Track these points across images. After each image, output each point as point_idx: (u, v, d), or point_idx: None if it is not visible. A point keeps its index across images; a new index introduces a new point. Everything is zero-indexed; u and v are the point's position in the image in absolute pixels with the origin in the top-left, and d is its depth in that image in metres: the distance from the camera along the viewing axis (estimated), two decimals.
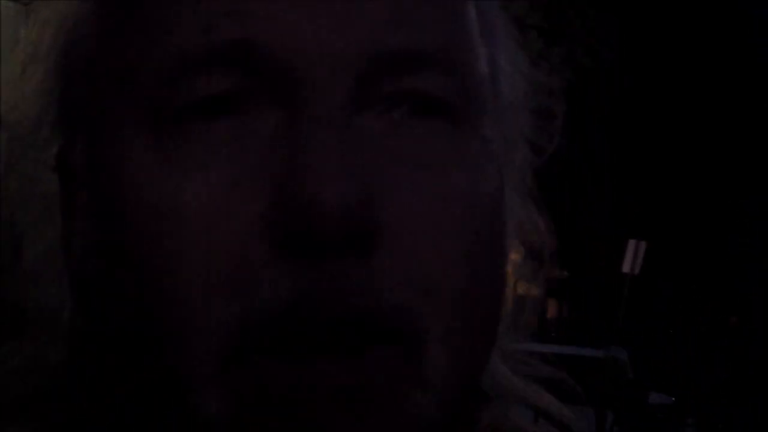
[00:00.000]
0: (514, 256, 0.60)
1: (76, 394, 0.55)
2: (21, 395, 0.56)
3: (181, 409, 0.48)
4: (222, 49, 0.48)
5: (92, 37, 0.53)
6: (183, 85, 0.48)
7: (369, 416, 0.47)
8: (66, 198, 0.55)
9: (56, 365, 0.56)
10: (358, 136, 0.47)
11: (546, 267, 0.62)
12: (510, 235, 0.56)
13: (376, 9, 0.49)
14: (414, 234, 0.48)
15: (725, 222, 15.84)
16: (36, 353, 0.56)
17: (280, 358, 0.46)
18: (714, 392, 11.16)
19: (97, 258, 0.51)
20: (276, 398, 0.46)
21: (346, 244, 0.45)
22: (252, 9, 0.48)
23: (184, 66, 0.48)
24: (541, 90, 0.61)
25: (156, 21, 0.50)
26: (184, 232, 0.47)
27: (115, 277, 0.50)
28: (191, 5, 0.49)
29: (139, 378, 0.50)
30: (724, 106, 13.56)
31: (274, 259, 0.46)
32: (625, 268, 13.91)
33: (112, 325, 0.51)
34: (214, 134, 0.48)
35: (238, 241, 0.46)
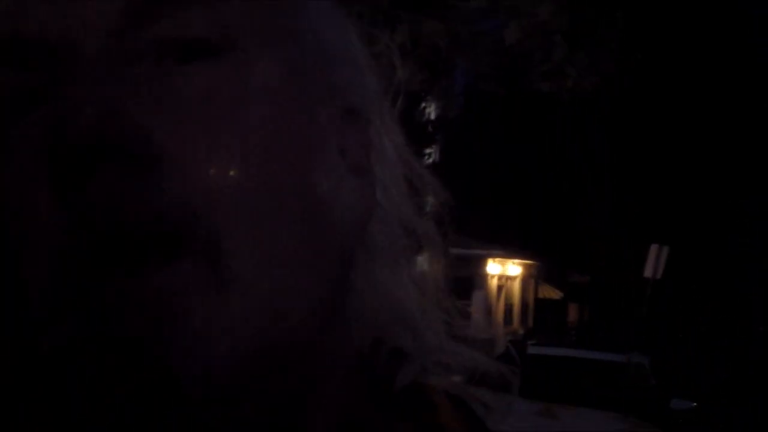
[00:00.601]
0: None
1: None
2: None
3: (25, 346, 0.50)
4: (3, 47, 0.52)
5: None
6: None
7: (171, 321, 0.48)
8: None
9: None
10: (122, 86, 0.50)
11: (444, 227, 0.63)
12: (395, 186, 0.61)
13: None
14: (194, 159, 0.49)
15: (737, 225, 15.76)
16: None
17: (90, 275, 0.49)
18: (734, 399, 11.10)
19: None
20: (94, 315, 0.48)
21: (105, 164, 0.48)
22: (17, 7, 0.52)
23: None
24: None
25: None
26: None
27: None
28: None
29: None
30: (724, 106, 13.49)
31: (52, 189, 0.48)
32: (647, 273, 13.86)
33: None
34: (17, 126, 0.51)
35: (26, 195, 0.49)
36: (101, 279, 0.49)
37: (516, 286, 23.27)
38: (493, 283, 21.50)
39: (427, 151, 11.07)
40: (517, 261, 22.51)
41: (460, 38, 10.47)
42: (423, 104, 11.19)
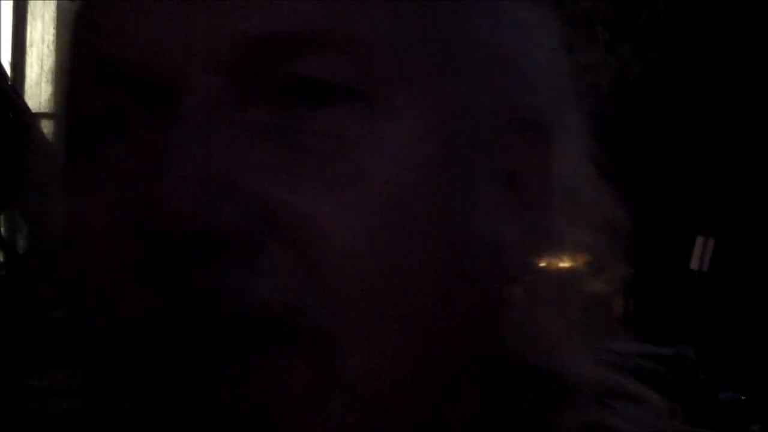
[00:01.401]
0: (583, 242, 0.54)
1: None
2: None
3: (102, 409, 0.48)
4: (99, 70, 0.48)
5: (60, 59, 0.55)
6: (77, 103, 0.50)
7: (276, 424, 0.45)
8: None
9: None
10: (238, 133, 0.46)
11: (621, 245, 0.55)
12: (571, 211, 0.53)
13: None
14: (311, 230, 0.45)
15: None
16: None
17: (166, 367, 0.45)
18: None
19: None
20: (178, 408, 0.45)
21: (196, 249, 0.44)
22: (116, 26, 0.48)
23: (79, 86, 0.50)
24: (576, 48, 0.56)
25: (72, 44, 0.52)
26: (78, 237, 0.48)
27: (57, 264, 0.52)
28: (86, 24, 0.51)
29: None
30: None
31: (142, 265, 0.45)
32: (694, 265, 13.70)
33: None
34: (105, 154, 0.48)
35: (114, 251, 0.46)
36: (196, 368, 0.45)
37: None
38: None
39: None
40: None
41: None
42: None
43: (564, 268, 0.54)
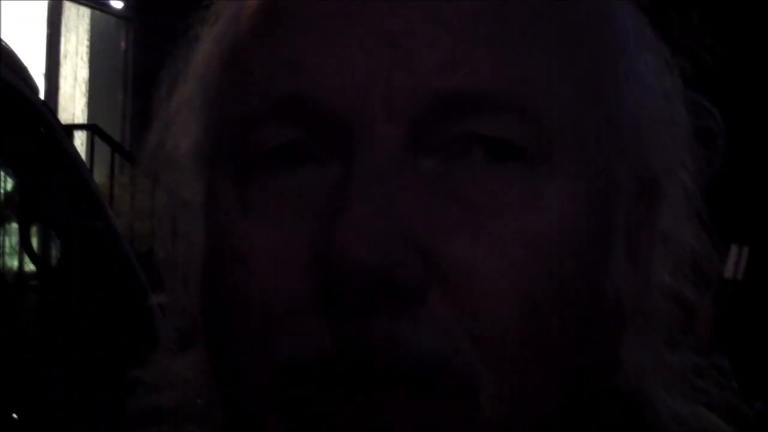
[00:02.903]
0: (676, 274, 0.58)
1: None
2: None
3: (245, 421, 0.50)
4: (280, 102, 0.49)
5: (218, 89, 0.55)
6: (250, 137, 0.50)
7: None
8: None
9: None
10: (412, 184, 0.47)
11: (711, 290, 0.59)
12: (671, 256, 0.56)
13: (427, 54, 0.48)
14: (470, 282, 0.47)
15: None
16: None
17: (328, 402, 0.47)
18: None
19: (197, 285, 0.55)
20: (325, 426, 0.48)
21: (379, 300, 0.46)
22: (305, 60, 0.49)
23: (251, 118, 0.50)
24: (696, 110, 0.58)
25: (241, 75, 0.52)
26: (245, 275, 0.49)
27: (206, 305, 0.54)
28: (256, 57, 0.51)
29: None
30: None
31: (318, 309, 0.47)
32: (728, 273, 13.60)
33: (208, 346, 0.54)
34: (278, 186, 0.50)
35: (288, 289, 0.48)
36: (352, 407, 0.47)
37: None
38: None
39: None
40: None
41: None
42: None
43: (656, 306, 0.57)
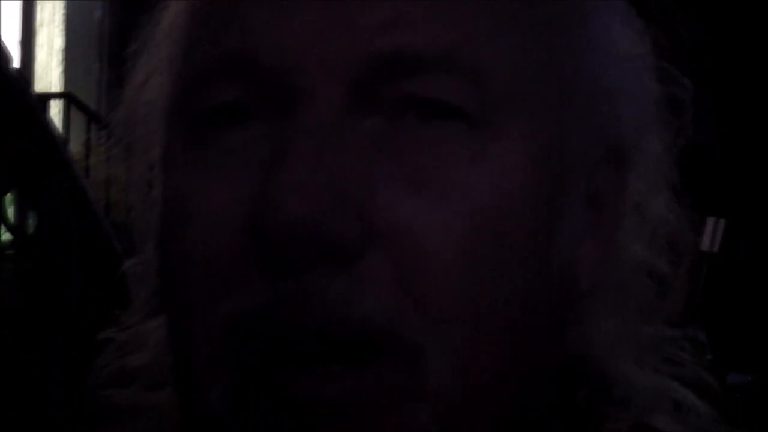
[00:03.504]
0: (646, 247, 0.58)
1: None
2: None
3: (192, 394, 0.50)
4: (225, 60, 0.49)
5: (181, 50, 0.55)
6: (198, 95, 0.51)
7: (360, 427, 0.47)
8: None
9: None
10: (351, 141, 0.47)
11: (684, 261, 0.59)
12: (641, 227, 0.56)
13: (370, 12, 0.48)
14: (408, 241, 0.47)
15: None
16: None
17: (264, 365, 0.47)
18: None
19: (155, 244, 0.55)
20: (260, 403, 0.47)
21: (313, 257, 0.45)
22: (249, 19, 0.49)
23: (199, 77, 0.51)
24: (666, 79, 0.58)
25: (197, 35, 0.53)
26: (190, 235, 0.49)
27: (159, 266, 0.54)
28: (208, 18, 0.51)
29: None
30: None
31: (256, 267, 0.47)
32: (704, 245, 13.70)
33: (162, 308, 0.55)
34: (223, 143, 0.50)
35: (229, 248, 0.48)
36: (289, 374, 0.47)
37: None
38: None
39: None
40: None
41: None
42: None
43: (627, 278, 0.57)
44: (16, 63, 7.64)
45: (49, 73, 8.45)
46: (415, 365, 0.47)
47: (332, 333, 0.46)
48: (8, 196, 3.46)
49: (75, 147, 5.98)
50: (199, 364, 0.49)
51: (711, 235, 13.27)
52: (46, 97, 7.04)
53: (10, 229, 3.37)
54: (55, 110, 7.27)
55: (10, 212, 3.49)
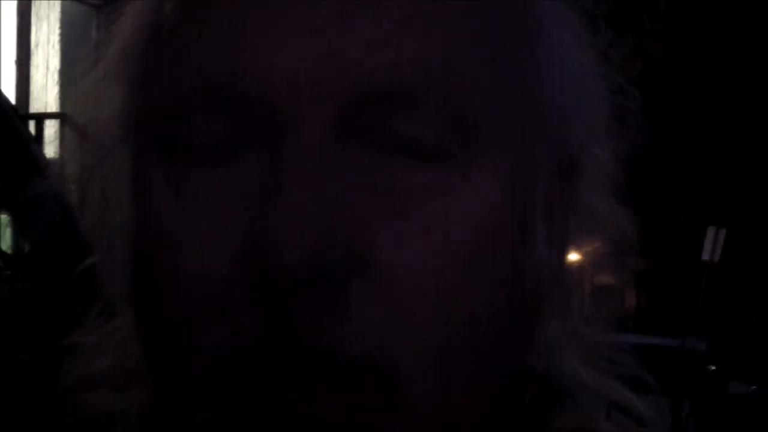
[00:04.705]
0: (590, 248, 0.60)
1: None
2: None
3: (180, 413, 0.51)
4: (207, 89, 0.48)
5: (142, 63, 0.54)
6: (180, 126, 0.50)
7: None
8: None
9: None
10: (338, 172, 0.47)
11: (627, 259, 0.60)
12: (588, 230, 0.58)
13: (352, 42, 0.48)
14: (391, 276, 0.48)
15: None
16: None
17: (252, 388, 0.48)
18: None
19: (127, 265, 0.54)
20: (249, 423, 0.48)
21: (306, 289, 0.46)
22: (231, 47, 0.48)
23: (180, 105, 0.50)
24: (615, 87, 0.59)
25: (168, 55, 0.51)
26: (173, 262, 0.49)
27: (135, 291, 0.53)
28: (184, 40, 0.50)
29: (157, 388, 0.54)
30: None
31: (248, 297, 0.47)
32: (705, 255, 13.70)
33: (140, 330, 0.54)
34: (209, 174, 0.49)
35: (214, 275, 0.48)
36: (276, 393, 0.48)
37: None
38: None
39: None
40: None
41: None
42: None
43: (570, 273, 0.59)
44: (12, 83, 7.65)
45: (45, 94, 8.46)
46: (394, 385, 0.48)
47: (319, 357, 0.48)
48: (3, 219, 3.46)
49: (71, 167, 5.97)
50: (188, 386, 0.50)
51: (712, 244, 13.30)
52: (43, 117, 7.05)
53: (3, 253, 3.38)
54: (51, 131, 7.28)
55: (6, 234, 3.49)
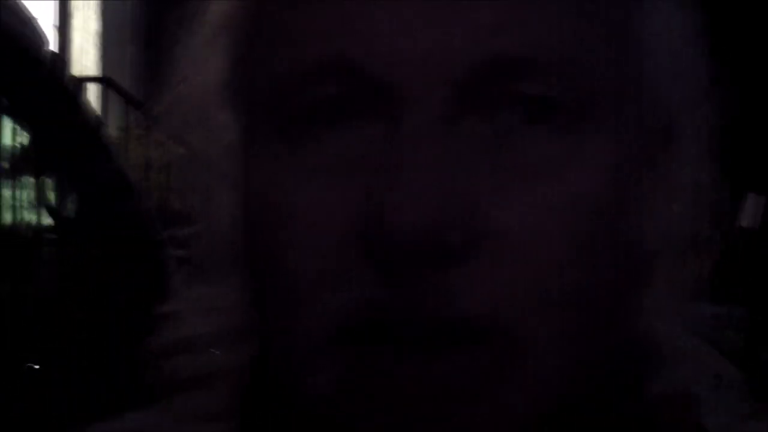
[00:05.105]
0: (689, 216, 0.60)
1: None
2: None
3: (292, 381, 0.53)
4: (324, 61, 0.50)
5: (253, 43, 0.56)
6: (296, 93, 0.51)
7: (455, 413, 0.49)
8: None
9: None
10: (457, 145, 0.48)
11: (726, 237, 0.61)
12: (691, 206, 0.58)
13: (475, 15, 0.49)
14: (514, 242, 0.49)
15: None
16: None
17: (374, 351, 0.50)
18: None
19: (245, 239, 0.56)
20: (370, 385, 0.50)
21: (423, 260, 0.47)
22: (350, 24, 0.50)
23: (297, 75, 0.51)
24: (713, 55, 0.59)
25: (284, 33, 0.52)
26: (294, 229, 0.51)
27: (253, 262, 0.55)
28: (305, 20, 0.51)
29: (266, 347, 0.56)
30: None
31: (365, 263, 0.49)
32: (744, 222, 13.57)
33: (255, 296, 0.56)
34: (325, 142, 0.51)
35: (335, 244, 0.50)
36: (396, 357, 0.50)
37: None
38: None
39: None
40: None
41: None
42: None
43: (677, 249, 0.59)
44: (52, 46, 7.69)
45: (85, 57, 8.49)
46: (513, 352, 0.50)
47: (439, 320, 0.49)
48: (48, 182, 3.49)
49: (112, 131, 6.01)
50: (308, 348, 0.51)
51: (752, 212, 13.16)
52: (84, 81, 7.08)
53: (52, 213, 3.40)
54: (92, 94, 7.32)
55: (51, 196, 3.51)
